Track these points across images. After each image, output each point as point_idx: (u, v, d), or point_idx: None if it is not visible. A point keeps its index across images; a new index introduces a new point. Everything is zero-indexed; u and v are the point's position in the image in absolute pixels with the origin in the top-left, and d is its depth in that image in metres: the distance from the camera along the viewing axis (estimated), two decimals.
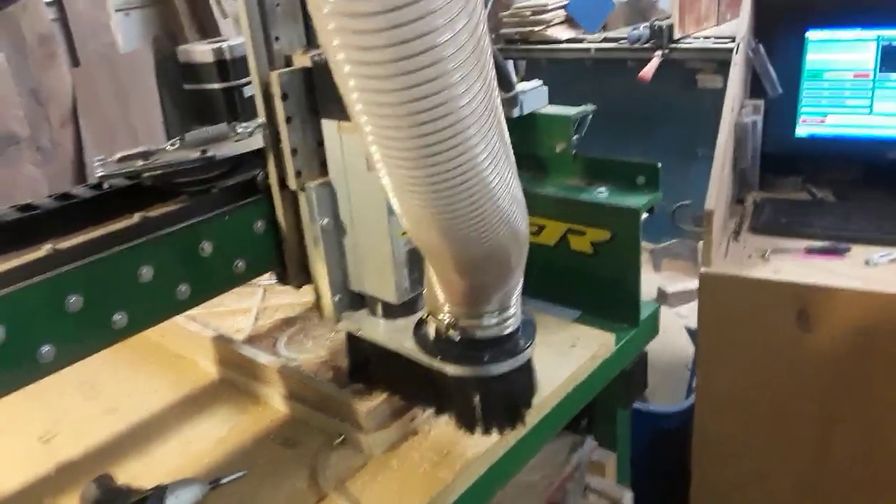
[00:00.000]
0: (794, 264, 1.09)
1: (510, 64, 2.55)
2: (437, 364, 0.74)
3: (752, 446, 1.18)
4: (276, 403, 0.92)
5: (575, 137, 1.07)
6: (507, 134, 0.55)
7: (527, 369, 0.75)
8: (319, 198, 0.80)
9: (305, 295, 1.13)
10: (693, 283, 1.37)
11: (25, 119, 1.73)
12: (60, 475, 0.84)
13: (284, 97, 0.76)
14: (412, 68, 0.43)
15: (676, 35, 2.07)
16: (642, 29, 2.14)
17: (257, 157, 0.80)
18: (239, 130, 0.78)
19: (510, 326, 0.72)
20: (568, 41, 2.36)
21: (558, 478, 1.13)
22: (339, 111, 0.73)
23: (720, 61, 2.03)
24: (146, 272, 0.73)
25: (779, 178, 1.27)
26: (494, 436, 0.80)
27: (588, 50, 2.31)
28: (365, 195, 0.78)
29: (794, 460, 1.15)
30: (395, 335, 0.80)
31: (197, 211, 0.77)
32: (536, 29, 2.38)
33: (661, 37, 2.08)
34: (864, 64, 1.21)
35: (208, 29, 1.63)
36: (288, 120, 0.77)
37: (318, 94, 0.78)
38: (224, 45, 0.86)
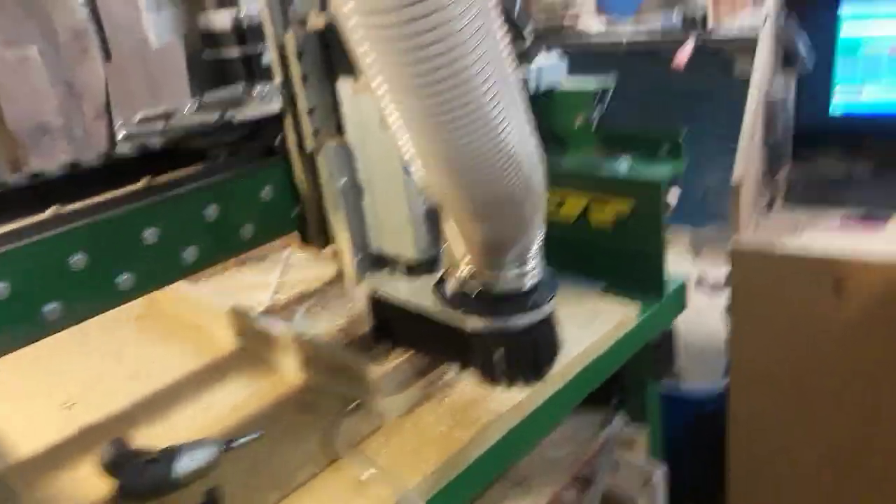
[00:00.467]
0: (828, 236, 1.07)
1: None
2: (457, 319, 0.75)
3: (788, 422, 1.15)
4: (291, 372, 0.94)
5: (597, 111, 1.07)
6: (516, 81, 0.57)
7: (548, 325, 0.75)
8: (337, 158, 0.81)
9: (326, 269, 1.17)
10: None
11: (58, 110, 1.81)
12: (83, 438, 0.87)
13: (300, 56, 0.78)
14: None
15: (710, 22, 2.05)
16: (675, 17, 2.13)
17: (276, 121, 0.83)
18: (255, 92, 0.81)
19: (530, 280, 0.72)
20: (599, 34, 2.36)
21: (586, 453, 1.12)
22: (354, 69, 0.75)
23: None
24: (150, 234, 0.75)
25: (815, 154, 1.25)
26: (515, 397, 0.81)
27: (620, 42, 2.31)
28: (381, 154, 0.79)
29: (831, 435, 1.13)
30: (415, 293, 0.81)
31: (205, 174, 0.79)
32: (567, 22, 2.40)
33: (695, 24, 2.07)
34: None
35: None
36: (304, 79, 0.79)
37: (332, 55, 0.80)
38: (242, 12, 0.89)
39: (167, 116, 0.80)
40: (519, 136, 0.57)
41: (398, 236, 0.82)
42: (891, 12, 1.20)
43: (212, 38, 0.90)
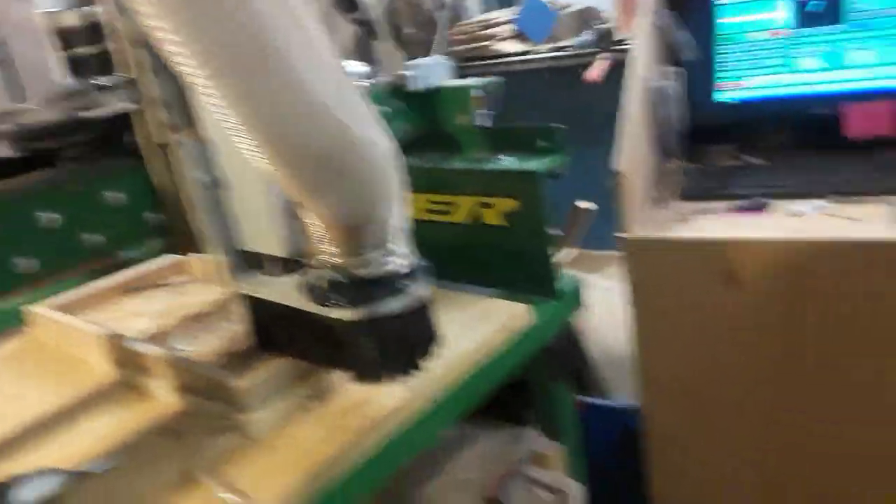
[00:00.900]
0: (716, 223, 1.09)
1: None
2: (323, 312, 0.73)
3: (701, 425, 1.15)
4: (164, 396, 0.89)
5: (486, 111, 1.08)
6: (324, 42, 0.57)
7: (421, 313, 0.73)
8: (195, 152, 0.79)
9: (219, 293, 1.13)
10: None
11: None
12: None
13: (148, 47, 0.77)
14: None
15: (618, 36, 2.13)
16: (585, 34, 2.21)
17: (128, 118, 0.81)
18: (102, 84, 0.79)
19: (396, 265, 0.70)
20: (518, 54, 2.42)
21: (498, 473, 1.09)
22: None
23: None
24: None
25: (707, 147, 1.28)
26: (394, 402, 0.78)
27: (539, 60, 2.37)
28: (242, 151, 0.78)
29: (746, 434, 1.12)
30: (286, 291, 0.78)
31: (48, 177, 0.76)
32: (486, 44, 2.45)
33: (605, 40, 2.14)
34: (779, 21, 1.24)
35: None
36: (156, 72, 0.77)
37: None
38: (93, 8, 0.88)
39: (17, 115, 0.77)
40: (333, 93, 0.57)
41: (264, 231, 0.80)
42: None
43: (65, 36, 0.87)
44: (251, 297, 0.82)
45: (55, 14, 0.86)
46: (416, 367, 0.74)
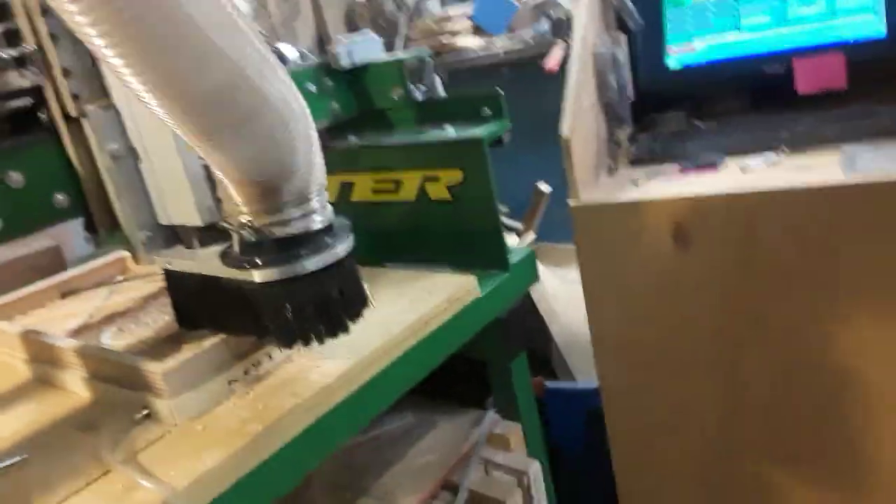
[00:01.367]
0: (667, 184, 1.08)
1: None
2: (235, 275, 0.70)
3: (660, 394, 1.13)
4: (79, 388, 0.86)
5: (420, 86, 1.07)
6: None
7: (342, 272, 0.70)
8: (104, 122, 0.77)
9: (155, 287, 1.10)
10: None
11: None
12: None
13: (44, 12, 0.75)
14: None
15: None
16: (541, 24, 2.21)
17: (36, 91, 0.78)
18: (6, 57, 0.76)
19: (314, 223, 0.68)
20: (477, 51, 2.42)
21: (456, 456, 1.07)
22: None
23: None
24: None
25: (657, 113, 1.27)
26: (328, 378, 0.75)
27: (497, 54, 2.37)
28: (148, 113, 0.76)
29: (704, 404, 1.11)
30: (204, 260, 0.75)
31: None
32: (444, 41, 2.45)
33: (561, 28, 2.15)
34: None
35: None
36: (53, 38, 0.75)
37: None
38: None
39: None
40: (226, 34, 0.56)
41: (180, 201, 0.78)
42: None
43: None
44: (170, 273, 0.79)
45: None
46: (342, 328, 0.71)
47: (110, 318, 1.02)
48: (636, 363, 1.13)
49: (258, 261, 0.68)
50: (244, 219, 0.69)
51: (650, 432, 1.16)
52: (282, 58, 1.03)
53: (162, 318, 0.96)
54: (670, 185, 1.07)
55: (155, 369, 0.74)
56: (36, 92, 0.80)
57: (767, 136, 1.12)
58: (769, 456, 1.11)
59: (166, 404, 0.74)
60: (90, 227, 0.83)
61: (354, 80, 1.08)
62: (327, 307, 0.70)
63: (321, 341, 0.71)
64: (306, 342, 0.70)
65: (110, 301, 1.10)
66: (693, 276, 1.03)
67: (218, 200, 0.77)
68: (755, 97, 1.27)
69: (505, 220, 1.20)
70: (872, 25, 1.17)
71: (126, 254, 1.21)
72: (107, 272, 1.22)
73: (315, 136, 0.67)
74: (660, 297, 1.06)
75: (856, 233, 0.94)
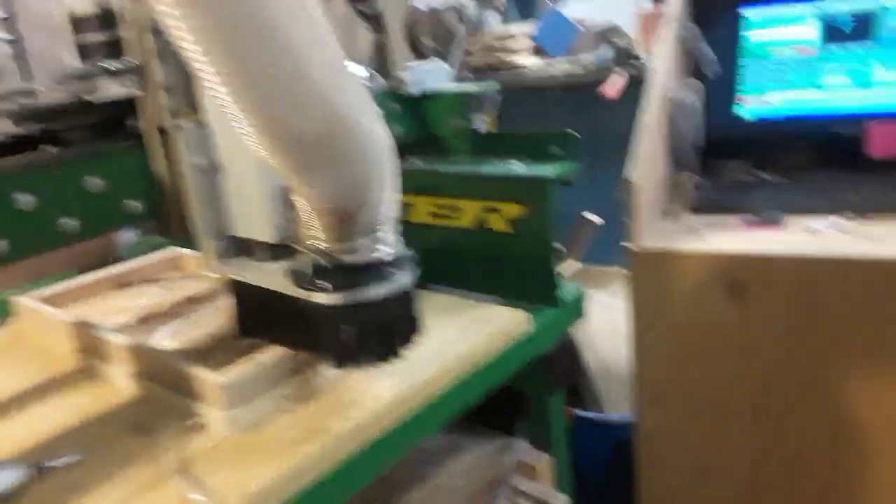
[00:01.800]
0: (727, 237, 1.09)
1: None
2: (304, 295, 0.74)
3: (696, 441, 1.14)
4: (125, 385, 0.88)
5: (484, 116, 1.09)
6: (322, 19, 0.59)
7: (402, 301, 0.75)
8: (195, 137, 0.82)
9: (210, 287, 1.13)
10: None
11: None
12: None
13: (155, 32, 0.79)
14: None
15: (638, 53, 2.14)
16: (604, 50, 2.22)
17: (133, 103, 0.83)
18: (109, 68, 0.81)
19: (381, 253, 0.72)
20: (535, 70, 2.44)
21: (484, 482, 1.09)
22: None
23: None
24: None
25: (724, 162, 1.28)
26: (381, 403, 0.78)
27: (554, 75, 2.39)
28: (237, 132, 0.80)
29: (742, 456, 1.11)
30: (272, 275, 0.80)
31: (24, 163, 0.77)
32: (502, 56, 2.48)
33: (623, 56, 2.16)
34: (805, 38, 1.24)
35: None
36: (160, 56, 0.80)
37: None
38: None
39: (25, 94, 0.79)
40: (331, 77, 0.59)
41: (255, 216, 0.82)
42: (795, 14, 1.26)
43: (77, 21, 0.90)
44: (236, 283, 0.84)
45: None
46: (395, 354, 0.75)
47: (163, 316, 1.05)
48: (677, 406, 1.14)
49: (326, 285, 0.71)
50: (317, 243, 0.73)
51: (681, 472, 1.17)
52: None
53: (214, 320, 1.00)
54: (733, 238, 1.08)
55: (213, 380, 0.77)
56: (127, 103, 0.84)
57: (834, 198, 1.13)
58: None
59: (219, 416, 0.77)
60: (163, 231, 0.87)
61: (418, 105, 1.11)
62: (385, 333, 0.74)
63: (375, 365, 0.74)
64: (360, 364, 0.73)
65: (163, 298, 1.14)
66: (748, 331, 1.04)
67: (289, 220, 0.80)
68: (823, 155, 1.28)
69: None
70: None
71: (181, 251, 1.24)
72: (158, 269, 1.25)
73: (396, 172, 0.70)
74: (711, 347, 1.07)
75: None
